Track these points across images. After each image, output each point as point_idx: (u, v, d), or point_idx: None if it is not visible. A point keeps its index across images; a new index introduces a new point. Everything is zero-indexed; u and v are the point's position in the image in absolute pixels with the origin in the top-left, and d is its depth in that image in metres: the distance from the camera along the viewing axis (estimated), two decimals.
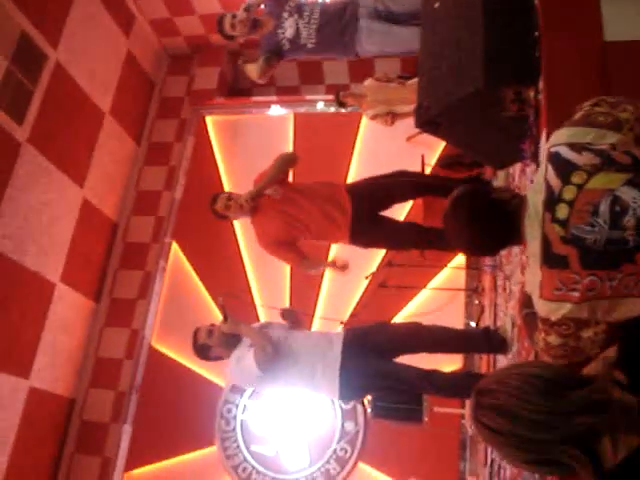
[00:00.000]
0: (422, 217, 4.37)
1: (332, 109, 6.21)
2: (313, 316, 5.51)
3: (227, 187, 6.53)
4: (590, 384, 1.27)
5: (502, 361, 3.43)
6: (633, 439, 1.21)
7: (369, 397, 4.42)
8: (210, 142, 6.71)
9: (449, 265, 5.34)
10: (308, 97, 6.55)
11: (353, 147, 6.29)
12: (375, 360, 3.41)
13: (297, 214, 3.72)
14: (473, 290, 5.08)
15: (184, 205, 6.50)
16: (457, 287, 5.25)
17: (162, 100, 6.88)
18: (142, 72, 6.69)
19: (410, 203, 4.89)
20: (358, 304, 5.61)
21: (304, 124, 6.52)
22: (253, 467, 5.40)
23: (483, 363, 4.21)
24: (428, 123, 2.40)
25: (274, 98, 6.66)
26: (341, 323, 5.04)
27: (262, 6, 4.09)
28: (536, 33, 2.15)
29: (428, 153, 5.33)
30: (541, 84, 2.11)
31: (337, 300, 5.76)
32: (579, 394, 1.24)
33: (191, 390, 5.81)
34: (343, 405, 5.34)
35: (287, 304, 5.95)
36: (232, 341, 3.46)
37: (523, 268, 2.62)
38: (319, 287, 5.88)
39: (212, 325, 3.55)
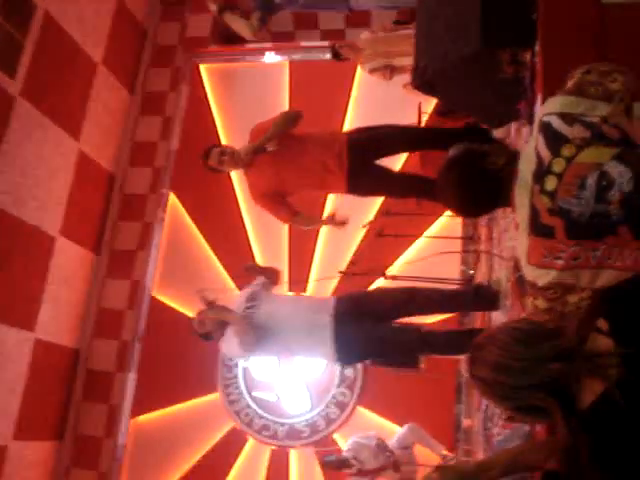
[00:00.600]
0: (419, 167, 4.38)
1: (328, 56, 6.12)
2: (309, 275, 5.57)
3: (223, 136, 6.51)
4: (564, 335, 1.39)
5: (496, 314, 3.51)
6: (598, 385, 1.31)
7: None
8: (205, 91, 6.64)
9: (445, 214, 5.37)
10: (303, 44, 6.44)
11: (349, 94, 6.23)
12: (370, 326, 3.48)
13: (294, 165, 3.69)
14: (469, 238, 5.13)
15: (181, 155, 6.48)
16: (453, 235, 5.31)
17: (155, 48, 6.76)
18: (133, 20, 6.55)
19: (406, 154, 4.89)
20: (356, 252, 5.68)
21: (300, 71, 6.45)
22: (255, 412, 5.58)
23: (477, 317, 4.30)
24: (425, 84, 2.40)
25: (269, 45, 6.55)
26: (339, 272, 5.10)
27: None
28: None
29: (425, 100, 5.29)
30: (537, 47, 2.10)
31: (335, 248, 5.83)
32: (551, 343, 1.36)
33: (193, 338, 5.91)
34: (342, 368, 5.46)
35: (286, 251, 6.03)
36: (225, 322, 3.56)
37: (517, 225, 2.66)
38: (317, 236, 5.94)
39: (200, 314, 3.60)
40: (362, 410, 5.53)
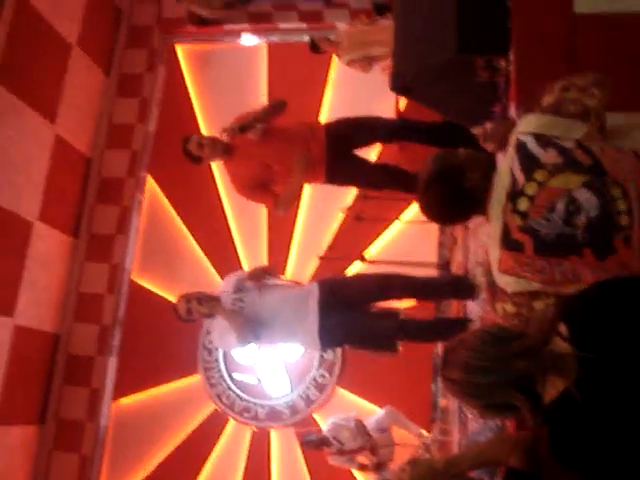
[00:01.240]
0: (396, 152, 4.42)
1: (306, 38, 6.10)
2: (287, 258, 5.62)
3: (200, 118, 6.50)
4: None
5: (471, 305, 3.61)
6: (560, 381, 1.41)
7: None
8: (182, 72, 6.59)
9: None
10: (281, 25, 6.40)
11: (327, 76, 6.24)
12: (351, 313, 3.57)
13: (274, 157, 3.73)
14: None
15: (158, 138, 6.45)
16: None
17: (131, 29, 6.65)
18: (108, 0, 6.45)
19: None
20: (334, 237, 5.74)
21: (278, 53, 6.43)
22: (236, 394, 5.67)
23: (453, 305, 4.40)
24: (403, 88, 2.45)
25: (246, 26, 6.50)
26: (319, 258, 5.17)
27: None
28: (508, 2, 2.17)
29: None
30: (511, 54, 2.15)
31: (314, 233, 5.88)
32: (517, 342, 1.45)
33: (173, 322, 5.92)
34: (323, 353, 5.55)
35: (265, 235, 6.08)
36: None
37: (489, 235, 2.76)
38: (295, 219, 5.97)
39: (188, 302, 3.62)
40: (341, 391, 5.64)
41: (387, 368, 5.31)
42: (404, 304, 4.48)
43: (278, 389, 5.65)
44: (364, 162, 3.94)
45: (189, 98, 6.48)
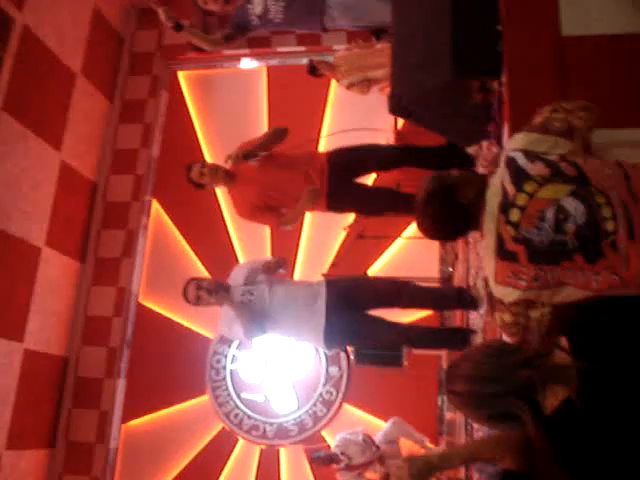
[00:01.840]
0: (397, 180, 4.52)
1: (304, 61, 6.23)
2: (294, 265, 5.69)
3: (203, 142, 6.61)
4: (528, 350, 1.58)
5: (474, 316, 3.70)
6: (561, 391, 1.49)
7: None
8: (184, 97, 6.72)
9: None
10: (280, 49, 6.54)
11: (327, 98, 6.36)
12: (356, 316, 3.65)
13: (276, 185, 3.82)
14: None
15: (162, 162, 6.57)
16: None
17: (133, 56, 6.81)
18: (110, 29, 6.60)
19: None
20: (337, 254, 5.82)
21: (277, 76, 6.56)
22: (244, 413, 5.72)
23: (457, 316, 4.48)
24: (400, 110, 2.55)
25: (245, 51, 6.64)
26: (322, 275, 5.24)
27: None
28: (499, 27, 2.28)
29: None
30: (504, 76, 2.26)
31: (317, 250, 5.97)
32: (519, 354, 1.54)
33: (180, 343, 6.06)
34: (327, 352, 5.63)
35: (269, 255, 6.15)
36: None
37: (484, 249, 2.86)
38: (299, 238, 6.07)
39: (199, 289, 3.69)
40: (348, 407, 5.69)
41: (393, 383, 5.37)
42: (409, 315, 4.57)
43: (285, 406, 5.70)
44: (364, 190, 4.05)
45: (191, 122, 6.60)
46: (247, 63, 6.60)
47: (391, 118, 5.19)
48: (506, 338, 1.83)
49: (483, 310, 3.40)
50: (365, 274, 5.20)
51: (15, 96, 5.26)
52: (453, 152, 3.46)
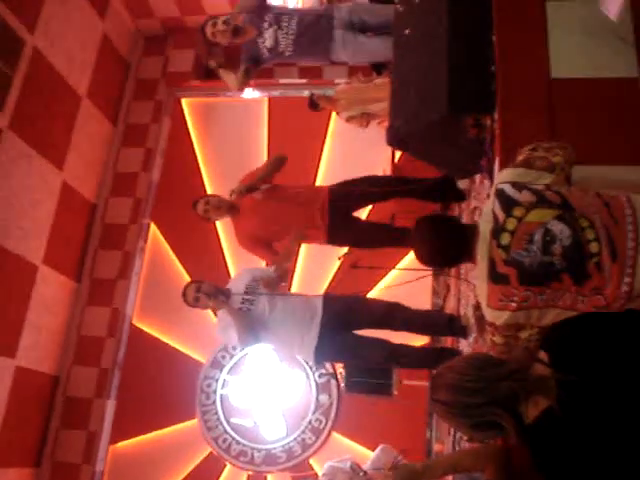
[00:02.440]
0: (392, 211, 4.63)
1: (305, 93, 6.38)
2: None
3: (203, 168, 6.71)
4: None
5: (463, 341, 3.80)
6: (542, 401, 1.56)
7: (342, 373, 4.75)
8: (186, 124, 6.84)
9: None
10: (282, 81, 6.70)
11: (326, 129, 6.49)
12: (348, 335, 3.75)
13: (276, 217, 3.95)
14: (439, 271, 5.37)
15: (161, 186, 6.67)
16: (425, 267, 5.53)
17: (138, 82, 6.96)
18: (117, 54, 6.76)
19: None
20: (330, 284, 5.88)
21: (278, 107, 6.69)
22: (233, 438, 5.71)
23: (447, 341, 4.54)
24: (398, 142, 2.67)
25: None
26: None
27: (241, 16, 4.23)
28: (493, 68, 2.41)
29: None
30: (496, 113, 2.38)
31: (311, 280, 6.02)
32: (504, 366, 1.62)
33: (172, 366, 6.06)
34: (317, 378, 5.65)
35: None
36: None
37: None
38: (294, 268, 6.12)
39: (198, 292, 3.74)
40: (337, 436, 5.70)
41: (383, 413, 5.39)
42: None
43: (274, 433, 5.70)
44: (363, 224, 4.22)
45: (192, 148, 6.71)
46: (249, 93, 6.74)
47: (388, 151, 5.31)
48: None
49: (472, 338, 3.48)
50: (362, 294, 5.26)
51: (22, 115, 5.37)
52: (448, 185, 3.59)
